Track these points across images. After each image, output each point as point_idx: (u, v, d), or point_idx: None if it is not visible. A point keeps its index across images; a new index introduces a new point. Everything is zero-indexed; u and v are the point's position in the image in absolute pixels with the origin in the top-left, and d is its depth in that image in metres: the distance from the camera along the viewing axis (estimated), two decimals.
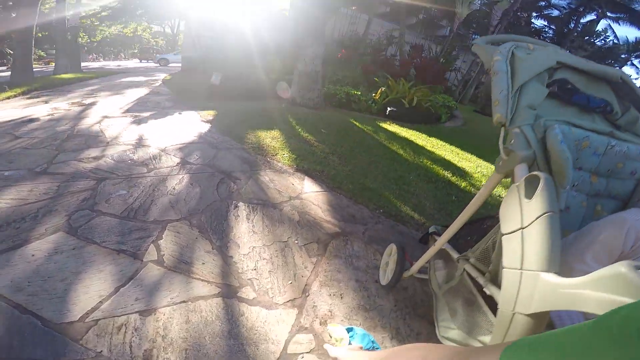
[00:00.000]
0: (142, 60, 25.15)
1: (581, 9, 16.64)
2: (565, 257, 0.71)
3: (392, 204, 2.14)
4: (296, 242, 1.63)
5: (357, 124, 4.02)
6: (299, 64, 4.20)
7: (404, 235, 1.86)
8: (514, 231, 0.64)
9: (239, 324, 1.14)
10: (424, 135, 4.22)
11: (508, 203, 0.69)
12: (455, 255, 1.07)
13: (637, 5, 16.66)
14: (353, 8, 14.08)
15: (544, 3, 17.70)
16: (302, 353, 1.07)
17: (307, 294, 1.33)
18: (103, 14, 15.30)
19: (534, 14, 18.53)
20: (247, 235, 1.61)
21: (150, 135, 2.96)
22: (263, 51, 7.99)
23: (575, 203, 0.84)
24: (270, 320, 1.17)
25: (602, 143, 0.83)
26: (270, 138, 2.92)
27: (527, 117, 0.80)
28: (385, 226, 1.92)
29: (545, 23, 18.74)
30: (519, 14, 15.97)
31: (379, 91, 5.71)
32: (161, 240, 1.49)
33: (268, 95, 5.24)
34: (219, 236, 1.57)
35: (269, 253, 1.51)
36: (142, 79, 9.10)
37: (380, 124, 4.49)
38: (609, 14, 18.43)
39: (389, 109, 5.32)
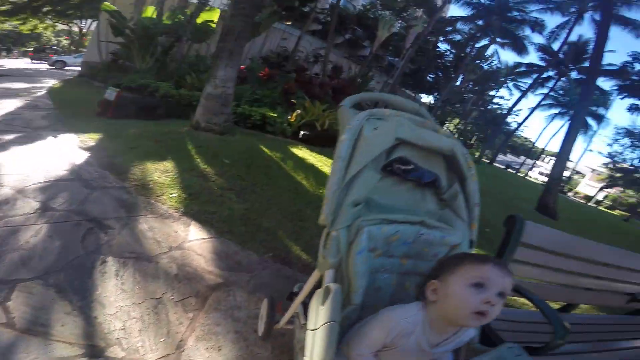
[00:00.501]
0: (34, 61, 21.72)
1: (478, 35, 19.76)
2: (349, 343, 0.86)
3: (284, 245, 2.22)
4: (171, 297, 1.58)
5: (267, 150, 4.06)
6: (208, 85, 4.01)
7: (289, 279, 1.95)
8: (309, 329, 0.77)
9: None
10: (330, 160, 4.50)
11: (312, 304, 0.84)
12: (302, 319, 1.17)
13: (520, 32, 20.40)
14: (288, 23, 14.39)
15: (450, 28, 20.63)
16: None
17: (181, 349, 1.33)
18: (2, 8, 12.86)
19: (441, 38, 21.42)
20: (115, 293, 1.52)
21: (7, 169, 2.55)
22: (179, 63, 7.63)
23: (386, 284, 0.99)
24: None
25: (412, 233, 0.97)
26: (160, 172, 2.76)
27: (347, 219, 0.91)
28: (272, 271, 1.98)
29: (448, 47, 21.80)
30: (428, 37, 18.26)
31: (294, 113, 5.92)
32: (9, 302, 1.34)
33: (173, 113, 4.97)
34: (81, 296, 1.46)
35: (139, 311, 1.45)
36: (24, 86, 7.81)
37: (292, 149, 4.63)
38: (498, 39, 22.25)
39: (302, 132, 5.54)
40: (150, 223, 2.13)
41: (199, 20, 8.28)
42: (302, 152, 4.75)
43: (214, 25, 8.15)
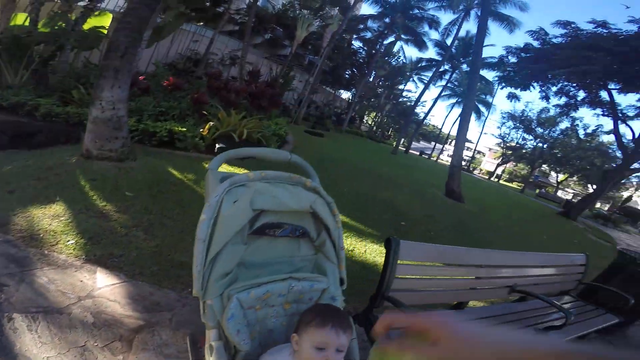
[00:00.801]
0: None
1: (385, 32, 21.53)
2: None
3: None
4: (95, 344, 1.58)
5: (176, 173, 3.89)
6: (93, 108, 3.54)
7: None
8: None
9: None
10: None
11: (206, 356, 0.99)
12: None
13: (420, 29, 22.85)
14: (200, 23, 13.56)
15: (362, 26, 22.06)
16: None
17: None
18: None
19: (354, 36, 22.81)
20: (36, 346, 1.48)
21: None
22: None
23: (276, 326, 1.17)
24: None
25: (284, 288, 1.13)
26: (50, 218, 2.50)
27: (216, 290, 1.04)
28: (193, 307, 2.01)
29: (361, 44, 23.38)
30: (343, 35, 19.26)
31: (207, 125, 5.75)
32: None
33: (58, 138, 4.37)
34: (2, 353, 1.42)
35: None
36: None
37: (207, 166, 4.51)
38: (402, 36, 24.56)
39: (217, 145, 5.41)
40: (49, 275, 1.96)
41: (86, 27, 7.39)
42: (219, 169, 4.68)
43: (105, 32, 7.35)
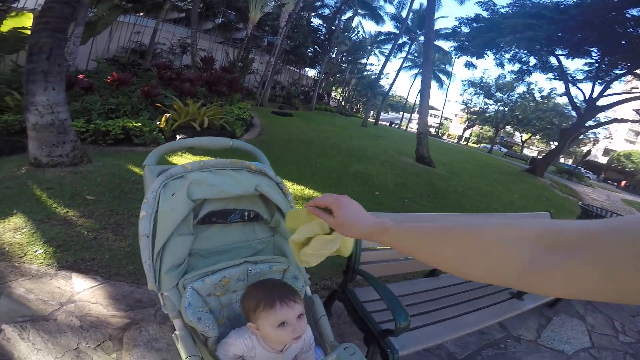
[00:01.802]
0: None
1: (343, 7, 21.39)
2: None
3: None
4: (88, 345, 1.64)
5: (138, 170, 3.81)
6: (29, 115, 3.38)
7: None
8: None
9: None
10: (219, 158, 4.49)
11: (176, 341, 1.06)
12: None
13: (376, 3, 22.94)
14: (140, 14, 12.73)
15: (319, 3, 21.73)
16: None
17: None
18: None
19: (313, 14, 22.48)
20: (33, 353, 1.54)
21: None
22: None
23: None
24: None
25: (241, 272, 1.15)
26: (12, 230, 2.44)
27: (170, 282, 1.05)
28: None
29: (320, 21, 23.14)
30: (301, 13, 18.86)
31: (163, 118, 5.62)
32: None
33: (1, 150, 4.13)
34: None
35: None
36: None
37: (170, 159, 4.49)
38: (360, 11, 24.52)
39: (178, 136, 5.34)
40: (25, 285, 1.96)
41: (4, 29, 6.82)
42: (182, 159, 4.65)
43: (28, 32, 6.83)
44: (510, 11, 12.53)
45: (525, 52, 13.69)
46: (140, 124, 5.16)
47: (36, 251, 2.28)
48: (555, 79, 14.94)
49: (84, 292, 2.03)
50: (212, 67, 9.77)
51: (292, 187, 4.55)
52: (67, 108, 3.70)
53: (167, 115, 5.69)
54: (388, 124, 35.58)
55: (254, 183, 1.22)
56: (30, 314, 1.77)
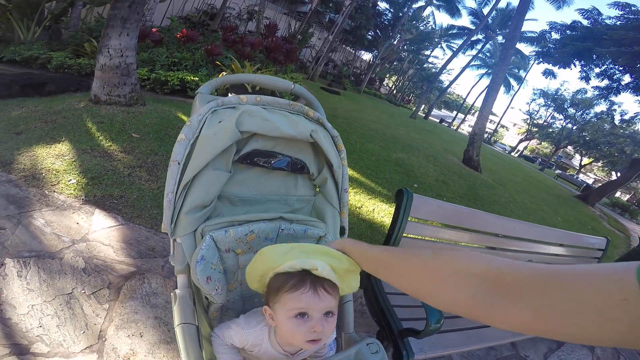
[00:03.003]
0: None
1: None
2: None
3: None
4: (83, 291, 1.55)
5: (185, 118, 3.76)
6: (100, 56, 3.46)
7: None
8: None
9: None
10: None
11: (171, 304, 0.84)
12: None
13: None
14: None
15: None
16: None
17: (103, 339, 1.37)
18: None
19: None
20: (22, 294, 1.46)
21: None
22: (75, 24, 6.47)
23: None
24: None
25: (272, 230, 0.95)
26: (54, 157, 2.44)
27: (188, 225, 0.86)
28: None
29: (387, 6, 21.81)
30: None
31: (220, 75, 5.54)
32: None
33: (69, 87, 4.29)
34: None
35: (52, 308, 1.43)
36: None
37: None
38: (435, 1, 22.75)
39: (230, 94, 5.25)
40: (47, 217, 1.92)
41: None
42: None
43: None
44: (617, 23, 10.68)
45: (622, 68, 11.81)
46: (197, 78, 5.15)
47: (69, 180, 2.24)
48: None
49: (100, 231, 1.95)
50: (273, 35, 9.57)
51: None
52: (135, 54, 3.74)
53: (224, 73, 5.60)
54: (438, 120, 33.50)
55: (310, 128, 1.00)
56: (39, 250, 1.70)
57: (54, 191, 2.13)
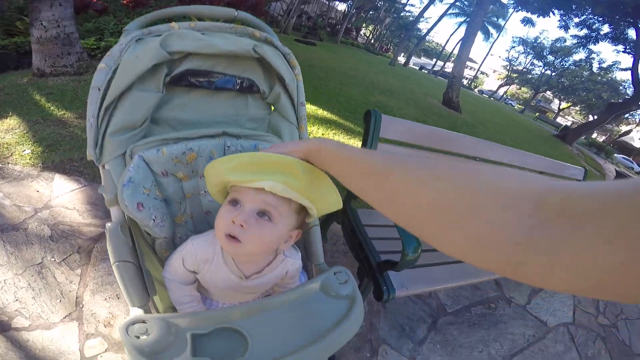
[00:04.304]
0: None
1: None
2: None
3: None
4: (53, 260, 1.49)
5: None
6: (34, 30, 3.19)
7: None
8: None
9: (29, 350, 1.17)
10: None
11: (106, 238, 0.75)
12: None
13: None
14: None
15: None
16: (100, 353, 1.21)
17: (81, 305, 1.34)
18: None
19: None
20: None
21: None
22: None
23: (214, 206, 0.91)
24: (56, 337, 1.22)
25: (216, 146, 0.86)
26: (3, 131, 2.26)
27: (115, 148, 0.77)
28: None
29: None
30: None
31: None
32: None
33: (7, 66, 3.95)
34: None
35: (25, 281, 1.38)
36: None
37: None
38: None
39: None
40: (4, 189, 1.81)
41: None
42: None
43: None
44: None
45: (600, 18, 11.57)
46: None
47: (24, 151, 2.11)
48: (624, 51, 12.81)
49: (63, 196, 1.86)
50: None
51: (307, 107, 4.22)
52: (74, 22, 3.46)
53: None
54: (418, 68, 32.87)
55: (254, 43, 0.88)
56: (1, 223, 1.61)
57: (8, 163, 2.01)
